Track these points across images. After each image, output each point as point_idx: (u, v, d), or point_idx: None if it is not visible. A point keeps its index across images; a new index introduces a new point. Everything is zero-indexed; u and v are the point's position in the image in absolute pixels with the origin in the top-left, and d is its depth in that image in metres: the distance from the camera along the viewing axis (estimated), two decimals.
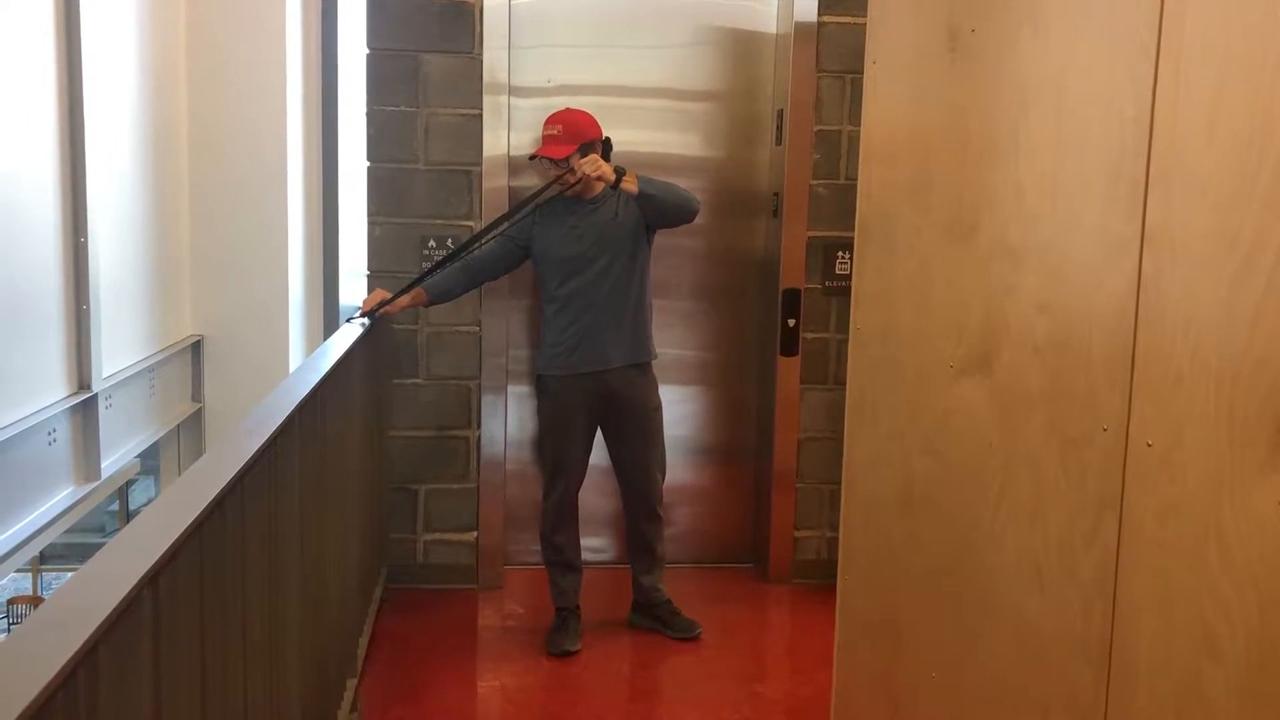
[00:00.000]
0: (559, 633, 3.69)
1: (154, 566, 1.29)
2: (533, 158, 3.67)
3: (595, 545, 4.39)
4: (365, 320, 3.58)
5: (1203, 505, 1.33)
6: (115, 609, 1.15)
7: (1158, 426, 1.42)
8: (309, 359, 2.95)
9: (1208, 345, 1.33)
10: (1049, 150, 1.71)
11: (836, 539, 2.48)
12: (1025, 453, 1.75)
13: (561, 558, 3.74)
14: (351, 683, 3.19)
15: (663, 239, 3.95)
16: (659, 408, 3.75)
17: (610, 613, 3.93)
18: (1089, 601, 1.57)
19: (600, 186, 3.57)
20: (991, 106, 1.90)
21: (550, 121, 3.59)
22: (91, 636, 1.08)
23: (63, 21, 5.50)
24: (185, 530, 1.42)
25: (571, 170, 3.49)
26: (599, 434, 3.74)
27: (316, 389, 2.45)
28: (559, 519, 3.71)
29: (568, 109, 3.64)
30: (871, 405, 2.35)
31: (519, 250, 3.66)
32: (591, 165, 3.41)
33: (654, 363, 3.72)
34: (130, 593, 1.20)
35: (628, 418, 3.68)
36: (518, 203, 3.76)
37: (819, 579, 4.19)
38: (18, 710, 0.92)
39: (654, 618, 3.82)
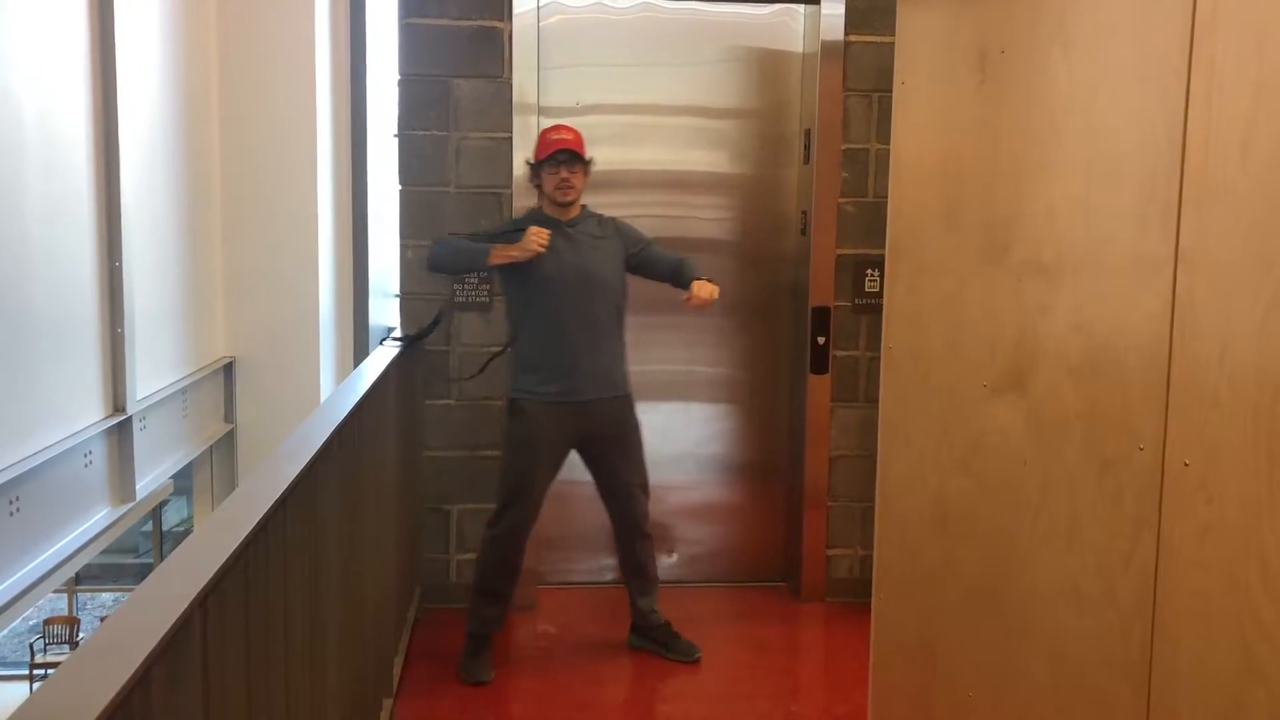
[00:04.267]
0: (475, 660, 3.58)
1: (204, 589, 1.32)
2: (562, 153, 3.48)
3: (609, 564, 4.40)
4: (399, 341, 3.62)
5: (1242, 526, 1.33)
6: (169, 632, 1.18)
7: (1194, 447, 1.42)
8: (346, 381, 2.99)
9: (1244, 366, 1.33)
10: (1080, 171, 1.72)
11: (869, 557, 2.49)
12: (1061, 472, 1.76)
13: (493, 586, 3.60)
14: (387, 703, 3.21)
15: (690, 255, 3.95)
16: (637, 427, 3.67)
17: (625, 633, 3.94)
18: (1128, 623, 1.57)
19: (579, 210, 3.56)
20: (1022, 127, 1.91)
21: (561, 128, 3.56)
22: (148, 658, 1.11)
23: (98, 52, 5.60)
24: (232, 553, 1.44)
25: (575, 174, 3.49)
26: (577, 460, 3.69)
27: (354, 411, 2.48)
28: (508, 548, 3.57)
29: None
30: (905, 425, 2.36)
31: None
32: (709, 293, 3.47)
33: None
34: (182, 615, 1.23)
35: (607, 443, 3.61)
36: (508, 221, 3.74)
37: (852, 598, 4.18)
38: None
39: (653, 640, 3.76)
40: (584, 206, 3.61)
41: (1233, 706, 1.35)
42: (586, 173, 3.57)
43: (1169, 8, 1.48)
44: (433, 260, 3.58)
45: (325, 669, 2.17)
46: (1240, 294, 1.34)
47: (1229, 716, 1.35)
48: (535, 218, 3.55)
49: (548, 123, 4.13)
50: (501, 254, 3.44)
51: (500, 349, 3.76)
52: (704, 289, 3.47)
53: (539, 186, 3.57)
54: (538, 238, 3.39)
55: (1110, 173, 1.63)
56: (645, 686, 3.57)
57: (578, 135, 3.55)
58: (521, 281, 3.52)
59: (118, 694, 1.02)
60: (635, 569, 3.74)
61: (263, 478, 1.89)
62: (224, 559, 1.41)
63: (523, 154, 4.01)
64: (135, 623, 1.22)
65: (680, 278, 3.56)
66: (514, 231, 3.48)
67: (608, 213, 3.73)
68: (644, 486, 3.70)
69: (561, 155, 3.49)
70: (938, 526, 2.21)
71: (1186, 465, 1.44)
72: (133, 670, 1.07)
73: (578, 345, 3.50)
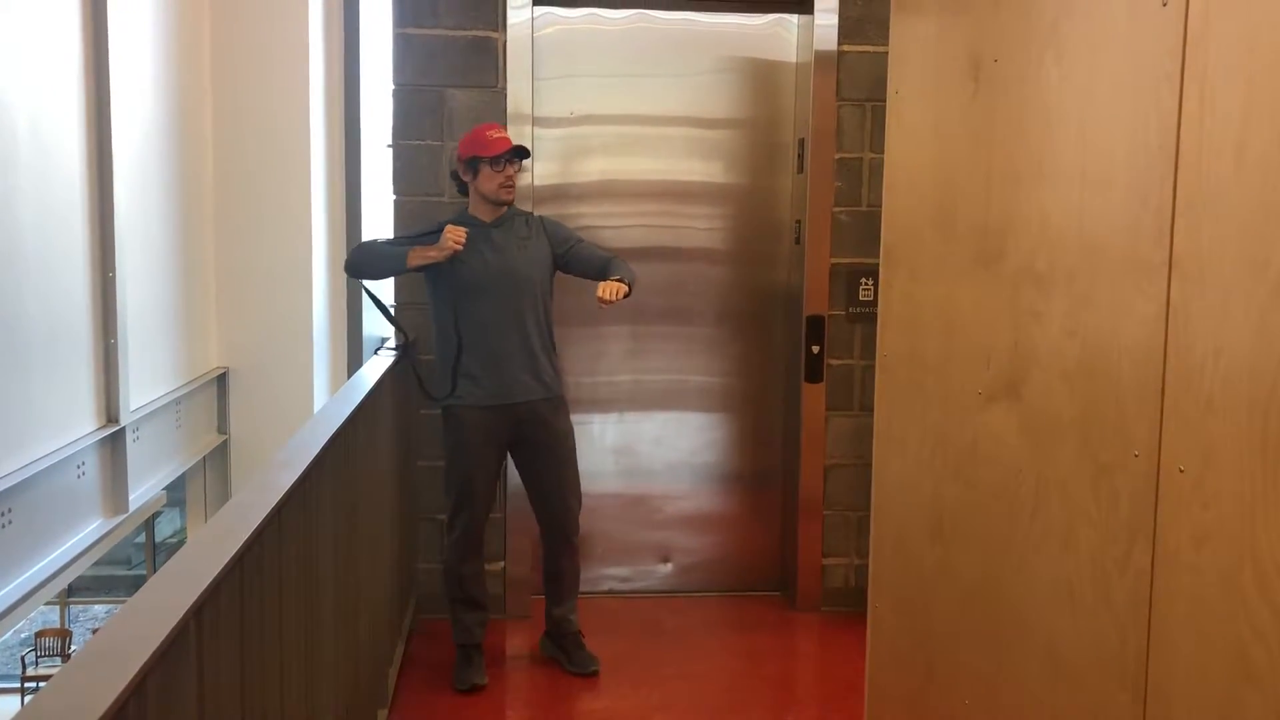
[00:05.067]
0: (465, 669, 3.58)
1: (199, 599, 1.31)
2: (512, 152, 3.46)
3: (620, 574, 4.40)
4: (394, 351, 3.61)
5: (1237, 530, 1.34)
6: (163, 642, 1.17)
7: (1190, 452, 1.43)
8: (340, 391, 2.99)
9: (1239, 371, 1.34)
10: (1074, 178, 1.72)
11: (864, 566, 2.49)
12: (1056, 478, 1.76)
13: (465, 593, 3.61)
14: (382, 713, 3.20)
15: (683, 267, 3.98)
16: (570, 433, 3.65)
17: (637, 643, 3.93)
18: (1123, 627, 1.58)
19: (496, 210, 3.53)
20: (1015, 135, 1.92)
21: (496, 126, 3.56)
22: (142, 668, 1.10)
23: (91, 61, 5.60)
24: (227, 563, 1.44)
25: (516, 174, 3.50)
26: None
27: (349, 421, 2.48)
28: (467, 551, 3.58)
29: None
30: (900, 432, 2.36)
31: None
32: (612, 291, 3.33)
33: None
34: (177, 625, 1.22)
35: (539, 447, 3.59)
36: (430, 224, 3.62)
37: (847, 607, 4.18)
38: None
39: (559, 647, 3.74)
40: (510, 205, 3.58)
41: (1229, 711, 1.35)
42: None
43: (1161, 15, 1.49)
44: (350, 265, 3.52)
45: (320, 679, 2.16)
46: (1234, 299, 1.34)
47: (1225, 719, 1.36)
48: (463, 220, 3.51)
49: (543, 132, 4.14)
50: (419, 255, 3.38)
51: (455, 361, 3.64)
52: (606, 289, 3.33)
53: (468, 184, 3.53)
54: (454, 236, 3.34)
55: (1103, 179, 1.64)
56: (640, 695, 3.56)
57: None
58: (446, 285, 3.48)
59: (112, 704, 1.02)
60: (555, 575, 3.72)
61: (258, 487, 1.89)
62: (219, 569, 1.41)
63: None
64: (130, 633, 1.22)
65: (604, 277, 3.45)
66: (435, 233, 3.42)
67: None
68: (576, 494, 3.68)
69: (509, 153, 3.46)
70: (933, 533, 2.21)
71: (1182, 471, 1.44)
72: (127, 680, 1.06)
73: (505, 348, 3.48)
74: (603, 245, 3.79)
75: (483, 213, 3.54)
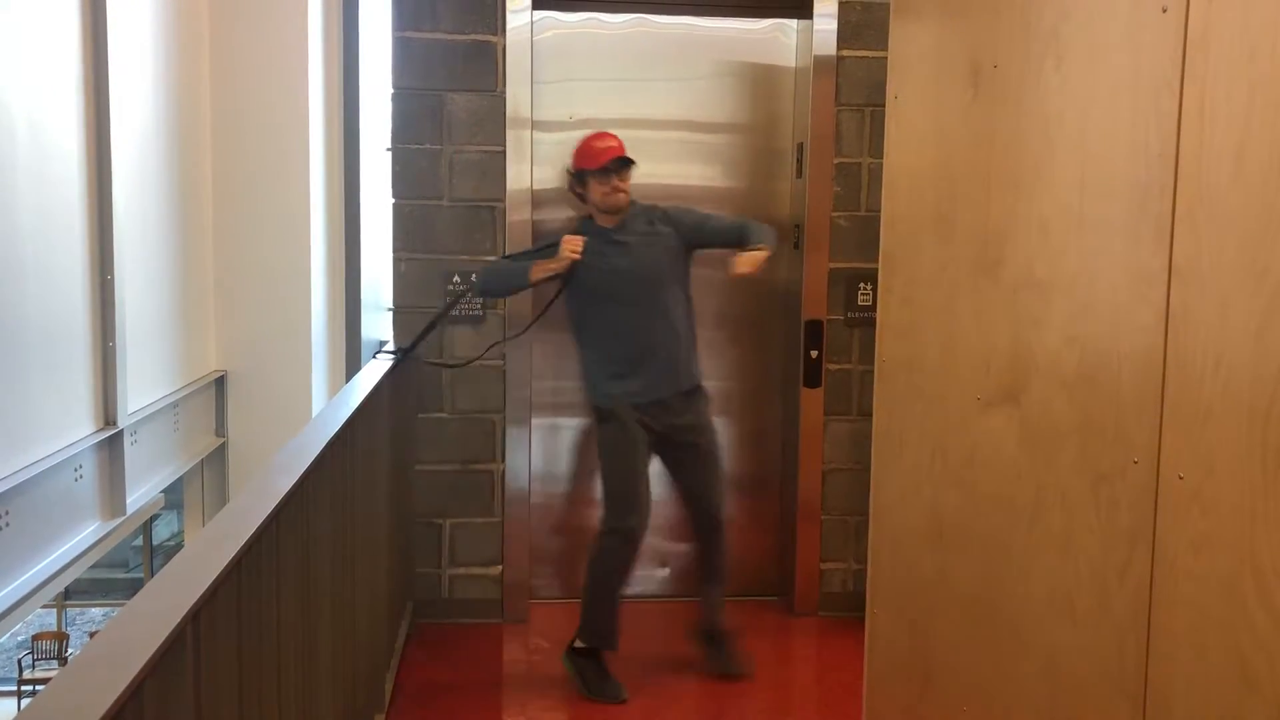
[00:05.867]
0: (607, 681, 3.52)
1: (196, 603, 1.31)
2: (617, 161, 3.47)
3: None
4: (393, 354, 3.61)
5: (1237, 538, 1.34)
6: (161, 646, 1.17)
7: (1189, 460, 1.43)
8: (339, 394, 2.98)
9: (1239, 378, 1.34)
10: (1074, 185, 1.72)
11: (863, 571, 2.48)
12: (1055, 485, 1.76)
13: (609, 597, 3.53)
14: (379, 718, 3.20)
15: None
16: (712, 421, 3.68)
17: (635, 647, 3.92)
18: (1123, 634, 1.57)
19: (613, 216, 3.52)
20: (1014, 141, 1.92)
21: (606, 135, 3.55)
22: (140, 673, 1.10)
23: (90, 63, 5.60)
24: (225, 567, 1.44)
25: (625, 181, 3.50)
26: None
27: (347, 425, 2.47)
28: (626, 557, 3.51)
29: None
30: (899, 437, 2.36)
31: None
32: (751, 264, 3.39)
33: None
34: (175, 630, 1.22)
35: (688, 437, 3.58)
36: (551, 236, 3.66)
37: (846, 612, 4.17)
38: None
39: (712, 643, 3.72)
40: (632, 203, 3.57)
41: (1229, 716, 1.35)
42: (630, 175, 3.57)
43: (1161, 23, 1.49)
44: (480, 288, 3.63)
45: (317, 684, 2.16)
46: (1234, 306, 1.34)
47: None
48: (586, 228, 3.55)
49: (541, 136, 4.14)
50: (541, 269, 3.45)
51: (544, 309, 3.71)
52: (743, 262, 3.41)
53: (581, 196, 3.56)
54: (570, 246, 3.41)
55: (1103, 186, 1.64)
56: (638, 701, 3.55)
57: (620, 141, 3.56)
58: (583, 294, 3.52)
59: (109, 709, 1.01)
60: (714, 570, 3.71)
61: (256, 491, 1.89)
62: (217, 573, 1.41)
63: (516, 167, 4.01)
64: (128, 637, 1.21)
65: (745, 243, 3.50)
66: (555, 246, 3.48)
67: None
68: (725, 482, 3.70)
69: (613, 164, 3.48)
70: (932, 539, 2.20)
71: (1181, 479, 1.44)
72: (125, 684, 1.06)
73: (648, 345, 3.50)
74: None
75: (602, 220, 3.55)
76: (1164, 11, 1.48)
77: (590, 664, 3.55)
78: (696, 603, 3.77)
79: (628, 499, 3.50)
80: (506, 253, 3.93)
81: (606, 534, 3.54)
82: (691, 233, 3.59)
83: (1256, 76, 1.32)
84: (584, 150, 3.55)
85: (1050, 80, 1.79)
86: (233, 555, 1.48)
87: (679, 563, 4.42)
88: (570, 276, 3.47)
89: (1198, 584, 1.41)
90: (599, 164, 3.48)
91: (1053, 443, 1.77)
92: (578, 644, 3.57)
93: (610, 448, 3.55)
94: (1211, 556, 1.38)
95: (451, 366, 3.99)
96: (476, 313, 4.03)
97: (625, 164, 3.50)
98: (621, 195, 3.51)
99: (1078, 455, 1.69)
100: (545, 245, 3.58)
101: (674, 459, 3.63)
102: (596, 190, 3.50)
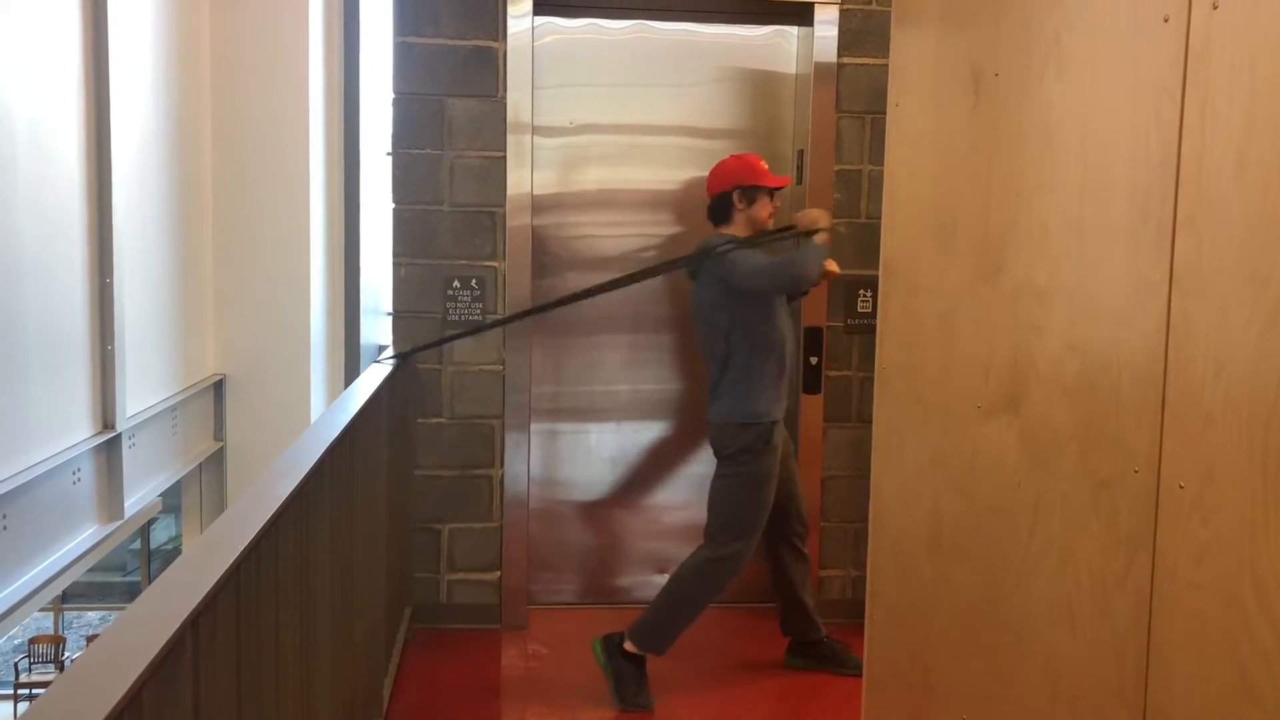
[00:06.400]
0: (643, 690, 3.50)
1: (196, 608, 1.31)
2: (779, 188, 3.63)
3: (616, 585, 4.38)
4: (393, 359, 3.61)
5: (1237, 547, 1.33)
6: (160, 650, 1.17)
7: (1190, 468, 1.42)
8: (339, 399, 2.98)
9: (1239, 387, 1.34)
10: (1074, 192, 1.72)
11: (861, 578, 2.48)
12: (1055, 493, 1.76)
13: (696, 611, 3.54)
14: None
15: (681, 277, 3.95)
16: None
17: None
18: (1122, 643, 1.57)
19: (749, 235, 3.61)
20: (1015, 148, 1.92)
21: (759, 157, 3.66)
22: (139, 678, 1.09)
23: (91, 67, 5.60)
24: (225, 572, 1.43)
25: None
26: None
27: (346, 430, 2.47)
28: (729, 578, 3.52)
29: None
30: (898, 445, 2.36)
31: None
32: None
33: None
34: (174, 635, 1.22)
35: (787, 457, 3.67)
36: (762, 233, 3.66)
37: (844, 619, 4.16)
38: None
39: (824, 658, 3.77)
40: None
41: None
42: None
43: (1163, 30, 1.49)
44: (771, 284, 3.46)
45: (316, 689, 2.15)
46: (1235, 313, 1.34)
47: None
48: (734, 240, 3.52)
49: (542, 141, 4.14)
50: (829, 267, 3.49)
51: (526, 311, 3.80)
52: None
53: (738, 212, 3.58)
54: (821, 220, 3.51)
55: (1104, 193, 1.64)
56: (636, 711, 3.54)
57: None
58: (748, 301, 3.49)
59: (109, 713, 1.01)
60: (804, 580, 3.75)
61: (255, 496, 1.88)
62: (216, 578, 1.40)
63: (516, 172, 4.01)
64: (127, 642, 1.21)
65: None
66: (784, 231, 3.61)
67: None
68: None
69: (779, 189, 3.63)
70: (931, 547, 2.20)
71: (1182, 487, 1.44)
72: (125, 690, 1.06)
73: (787, 364, 3.58)
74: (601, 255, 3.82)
75: (746, 235, 3.59)
76: (1165, 20, 1.48)
77: (633, 669, 3.50)
78: (797, 614, 3.77)
79: (751, 528, 3.50)
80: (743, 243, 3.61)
81: (723, 558, 3.49)
82: None
83: (1258, 85, 1.32)
84: (754, 168, 3.60)
85: (1052, 88, 1.80)
86: (233, 560, 1.48)
87: None
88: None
89: (1198, 592, 1.41)
90: (776, 183, 3.60)
91: (1053, 450, 1.77)
92: (628, 646, 3.52)
93: (759, 475, 3.49)
94: (1212, 565, 1.38)
95: (463, 335, 3.94)
96: (477, 317, 4.03)
97: (774, 193, 3.63)
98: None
99: (1078, 463, 1.69)
100: (776, 231, 3.64)
101: (780, 481, 3.64)
102: (765, 208, 3.59)
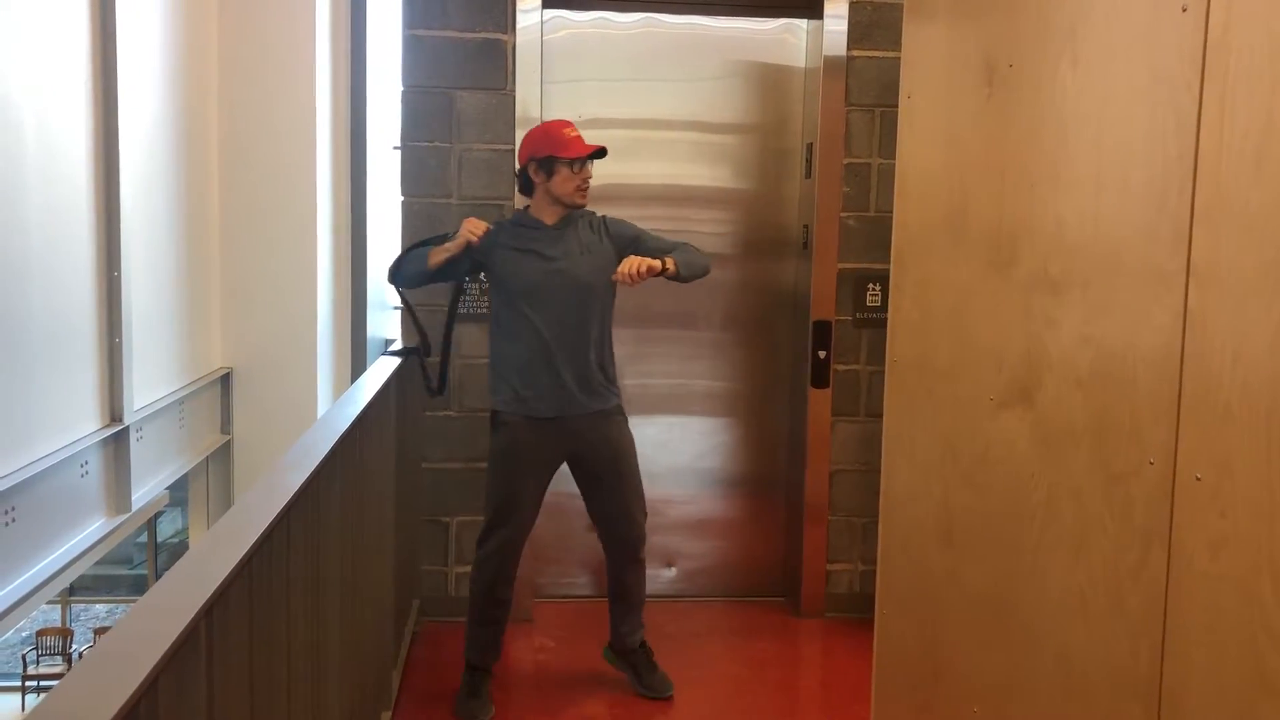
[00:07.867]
0: (474, 699, 3.38)
1: (210, 599, 1.31)
2: (595, 153, 3.29)
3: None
4: (401, 352, 3.61)
5: (1254, 538, 1.33)
6: (176, 641, 1.17)
7: (1206, 460, 1.42)
8: (347, 392, 2.98)
9: (1257, 379, 1.33)
10: (1089, 184, 1.71)
11: (869, 572, 2.48)
12: (1068, 485, 1.75)
13: (494, 615, 3.42)
14: (386, 715, 3.20)
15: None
16: (630, 445, 3.44)
17: None
18: (1136, 635, 1.57)
19: (562, 212, 3.33)
20: (1029, 140, 1.91)
21: (570, 124, 3.34)
22: (155, 668, 1.09)
23: (99, 61, 5.60)
24: (238, 563, 1.43)
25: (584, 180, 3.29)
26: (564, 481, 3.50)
27: (356, 423, 2.47)
28: (499, 570, 3.37)
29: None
30: (909, 437, 2.35)
31: (470, 261, 3.31)
32: (630, 269, 3.14)
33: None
34: (189, 625, 1.22)
35: (600, 463, 3.39)
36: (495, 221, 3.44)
37: (852, 613, 4.17)
38: None
39: (629, 664, 3.61)
40: (579, 209, 3.39)
41: None
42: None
43: (1181, 22, 1.48)
44: (389, 275, 3.40)
45: (326, 680, 2.16)
46: (1253, 306, 1.34)
47: None
48: (523, 221, 3.35)
49: None
50: (439, 252, 3.23)
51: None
52: (623, 266, 3.16)
53: (535, 185, 3.31)
54: (469, 227, 3.19)
55: (1120, 185, 1.63)
56: (644, 702, 3.55)
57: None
58: (505, 291, 3.30)
59: (125, 703, 1.01)
60: (622, 594, 3.55)
61: (266, 489, 1.88)
62: (229, 569, 1.40)
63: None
64: (142, 632, 1.21)
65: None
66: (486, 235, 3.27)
67: None
68: (641, 508, 3.49)
69: (593, 154, 3.28)
70: (942, 539, 2.20)
71: (1198, 479, 1.43)
72: (141, 679, 1.06)
73: (561, 358, 3.27)
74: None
75: (546, 215, 3.33)
76: (1184, 10, 1.47)
77: (469, 680, 3.45)
78: (611, 622, 3.63)
79: (499, 513, 3.36)
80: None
81: (480, 546, 3.42)
82: (627, 248, 3.34)
83: (1278, 77, 1.31)
84: (552, 136, 3.28)
85: (1067, 80, 1.79)
86: (245, 551, 1.48)
87: (685, 564, 4.42)
88: (499, 272, 3.29)
89: (1214, 585, 1.40)
90: (577, 153, 3.25)
91: (1066, 442, 1.76)
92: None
93: (497, 459, 3.37)
94: (1229, 557, 1.37)
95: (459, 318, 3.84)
96: (484, 310, 4.02)
97: (602, 155, 3.30)
98: (585, 192, 3.31)
99: (1092, 455, 1.69)
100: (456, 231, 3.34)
101: (585, 483, 3.46)
102: (566, 182, 3.26)
